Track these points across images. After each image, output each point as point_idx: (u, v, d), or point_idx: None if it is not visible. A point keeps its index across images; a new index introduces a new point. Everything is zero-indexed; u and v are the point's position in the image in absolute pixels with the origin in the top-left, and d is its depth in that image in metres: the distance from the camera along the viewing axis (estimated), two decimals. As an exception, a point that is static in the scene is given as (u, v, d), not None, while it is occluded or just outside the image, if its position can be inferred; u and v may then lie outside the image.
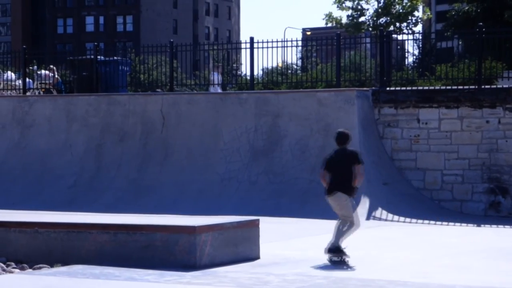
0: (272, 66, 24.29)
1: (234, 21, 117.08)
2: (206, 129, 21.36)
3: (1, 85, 26.14)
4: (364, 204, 18.56)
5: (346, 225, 11.80)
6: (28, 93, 25.29)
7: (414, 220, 18.06)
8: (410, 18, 38.48)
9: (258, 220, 12.20)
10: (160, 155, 21.56)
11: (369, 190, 19.01)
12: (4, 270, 10.45)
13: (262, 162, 20.37)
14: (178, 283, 9.66)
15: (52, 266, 10.84)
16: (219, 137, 21.14)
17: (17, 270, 10.62)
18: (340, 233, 11.70)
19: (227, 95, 22.10)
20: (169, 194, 20.43)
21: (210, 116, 21.43)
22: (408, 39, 25.67)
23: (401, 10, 37.95)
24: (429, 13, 42.03)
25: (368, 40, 25.38)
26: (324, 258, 11.85)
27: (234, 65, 30.17)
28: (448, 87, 20.64)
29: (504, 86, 20.43)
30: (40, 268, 10.73)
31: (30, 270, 10.69)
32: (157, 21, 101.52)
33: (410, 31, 37.73)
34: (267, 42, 22.33)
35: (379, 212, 18.45)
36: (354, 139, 19.86)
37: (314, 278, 10.15)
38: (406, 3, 37.88)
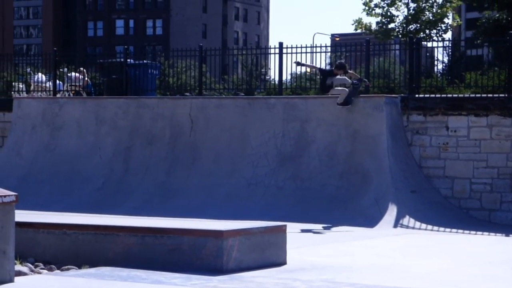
0: (300, 72, 24.29)
1: (263, 26, 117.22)
2: (234, 133, 21.40)
3: (32, 87, 26.35)
4: (391, 212, 18.51)
5: None
6: (58, 95, 25.47)
7: (442, 229, 17.97)
8: (439, 25, 38.29)
9: (285, 225, 12.20)
10: (188, 158, 21.62)
11: (396, 197, 18.95)
12: (32, 271, 10.51)
13: (290, 167, 20.36)
14: (205, 287, 9.67)
15: (79, 267, 10.90)
16: (246, 141, 21.17)
17: (45, 271, 10.68)
18: None
19: (255, 100, 22.13)
20: (196, 198, 20.48)
21: (238, 120, 21.47)
22: (437, 46, 25.61)
23: (431, 17, 37.79)
24: (458, 20, 41.78)
25: (397, 46, 25.30)
26: (352, 265, 11.84)
27: (263, 70, 30.18)
28: (478, 95, 20.53)
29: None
30: (68, 269, 10.79)
31: (58, 271, 10.75)
32: (186, 25, 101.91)
33: (439, 38, 37.54)
34: (296, 47, 22.34)
35: (406, 220, 18.37)
36: (382, 146, 19.92)
37: (341, 285, 10.13)
38: (436, 10, 37.71)
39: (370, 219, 18.20)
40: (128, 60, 25.29)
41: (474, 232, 17.71)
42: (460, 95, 20.80)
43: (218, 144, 21.43)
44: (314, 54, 22.77)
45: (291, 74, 25.09)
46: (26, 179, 22.55)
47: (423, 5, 37.88)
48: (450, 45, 25.64)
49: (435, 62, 25.46)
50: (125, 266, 10.80)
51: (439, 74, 24.48)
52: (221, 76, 28.46)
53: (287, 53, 22.45)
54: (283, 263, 11.69)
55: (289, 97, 22.25)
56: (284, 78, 23.36)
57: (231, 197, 20.25)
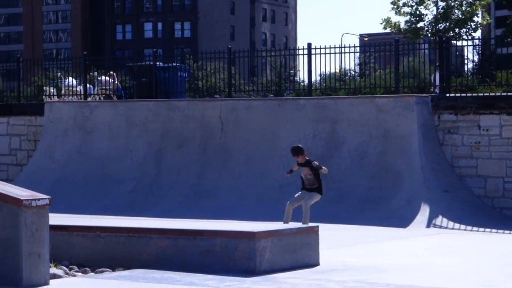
0: (329, 72, 24.24)
1: (291, 27, 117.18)
2: (264, 135, 21.40)
3: (63, 91, 26.52)
4: (424, 212, 18.43)
5: None
6: (89, 99, 25.61)
7: (475, 228, 17.86)
8: (469, 23, 38.08)
9: (317, 226, 12.17)
10: (218, 160, 21.65)
11: (428, 197, 18.86)
12: (67, 274, 10.57)
13: (321, 168, 20.29)
14: (238, 289, 9.68)
15: (113, 270, 10.94)
16: (277, 143, 21.16)
17: (79, 274, 10.74)
18: None
19: (285, 101, 22.13)
20: (228, 200, 20.51)
21: (268, 122, 21.47)
22: (467, 45, 25.45)
23: (460, 16, 37.58)
24: (488, 18, 41.49)
25: (426, 46, 25.17)
26: (384, 265, 11.79)
27: (291, 71, 30.17)
28: (509, 94, 20.38)
29: None
30: (102, 271, 10.84)
31: (92, 273, 10.80)
32: (214, 27, 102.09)
33: (469, 37, 37.33)
34: (325, 48, 22.30)
35: (439, 220, 18.28)
36: (414, 146, 19.82)
37: (374, 286, 10.09)
38: (466, 9, 37.50)
39: (402, 219, 18.13)
40: (157, 63, 25.39)
41: (508, 231, 17.58)
42: (492, 94, 20.66)
43: (249, 146, 21.44)
44: (343, 54, 22.73)
45: (320, 75, 25.04)
46: (58, 182, 22.71)
47: (452, 3, 37.68)
48: (480, 43, 25.46)
49: (465, 61, 25.33)
50: (158, 268, 10.83)
51: (469, 73, 24.33)
52: (250, 78, 28.47)
53: (315, 54, 22.41)
54: (316, 264, 11.67)
55: (319, 98, 22.23)
56: (313, 79, 23.32)
57: (262, 198, 20.25)
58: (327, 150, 20.46)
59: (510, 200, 19.57)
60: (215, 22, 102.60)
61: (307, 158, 15.90)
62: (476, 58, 26.12)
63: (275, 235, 11.24)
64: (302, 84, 26.13)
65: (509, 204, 19.55)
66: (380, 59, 26.25)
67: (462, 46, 26.12)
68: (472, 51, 25.41)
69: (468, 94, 20.69)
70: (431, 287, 10.01)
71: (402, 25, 38.55)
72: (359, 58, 31.52)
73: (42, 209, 9.57)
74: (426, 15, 38.44)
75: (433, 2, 38.21)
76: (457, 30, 37.81)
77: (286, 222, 14.98)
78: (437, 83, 22.18)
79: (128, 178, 22.20)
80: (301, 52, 23.26)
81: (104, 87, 26.30)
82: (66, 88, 26.35)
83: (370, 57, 29.49)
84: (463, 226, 17.97)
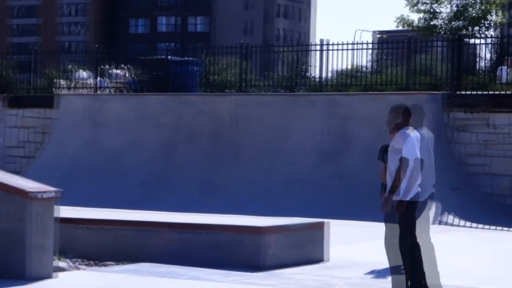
0: (342, 69, 24.15)
1: (305, 23, 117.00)
2: (275, 130, 21.35)
3: (73, 84, 26.52)
4: (432, 209, 18.34)
5: None
6: (100, 92, 25.61)
7: (486, 226, 17.78)
8: (483, 22, 37.93)
9: (323, 222, 12.15)
10: (229, 155, 21.63)
11: (437, 195, 18.75)
12: (70, 267, 10.57)
13: (330, 164, 20.27)
14: (243, 284, 9.65)
15: (119, 263, 10.93)
16: (287, 138, 21.12)
17: (84, 267, 10.73)
18: None
19: (297, 97, 22.07)
20: (237, 195, 20.48)
21: (279, 117, 21.43)
22: (483, 43, 25.32)
23: (474, 14, 37.43)
24: (501, 17, 41.22)
25: (440, 43, 25.03)
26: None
27: (303, 67, 30.08)
28: (522, 92, 20.26)
29: None
30: (106, 265, 10.84)
31: (97, 267, 10.80)
32: (229, 22, 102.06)
33: (483, 35, 37.16)
34: (337, 44, 22.26)
35: (448, 217, 18.21)
36: (423, 143, 19.68)
37: (379, 282, 10.06)
38: (480, 8, 37.34)
39: (411, 217, 18.01)
40: (170, 57, 25.38)
41: (517, 230, 17.49)
42: (503, 92, 20.54)
43: (259, 141, 21.40)
44: (356, 51, 22.67)
45: (332, 71, 24.96)
46: (69, 175, 22.71)
47: (467, 1, 37.54)
48: (493, 42, 25.30)
49: (478, 59, 25.16)
50: (164, 262, 10.82)
51: (482, 71, 24.17)
52: (262, 73, 28.42)
53: (327, 50, 22.37)
54: (322, 260, 11.64)
55: (331, 94, 22.17)
56: (325, 75, 23.28)
57: (271, 194, 20.22)
58: (338, 146, 20.41)
59: (521, 198, 19.46)
60: (229, 17, 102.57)
61: None
62: (488, 56, 25.94)
63: (281, 230, 11.23)
64: (314, 80, 26.06)
65: (519, 202, 19.43)
66: (392, 56, 26.11)
67: (475, 44, 25.96)
68: (485, 49, 25.24)
69: (480, 92, 20.57)
70: (439, 284, 9.95)
71: (416, 23, 38.42)
72: (371, 55, 31.38)
73: (49, 202, 9.57)
74: (440, 13, 38.27)
75: (447, 0, 38.03)
76: (470, 28, 37.65)
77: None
78: (503, 78, 21.96)
79: (138, 171, 22.19)
80: (313, 48, 23.22)
81: (115, 80, 26.29)
82: (77, 81, 26.35)
83: (383, 54, 29.39)
84: (473, 224, 17.89)
